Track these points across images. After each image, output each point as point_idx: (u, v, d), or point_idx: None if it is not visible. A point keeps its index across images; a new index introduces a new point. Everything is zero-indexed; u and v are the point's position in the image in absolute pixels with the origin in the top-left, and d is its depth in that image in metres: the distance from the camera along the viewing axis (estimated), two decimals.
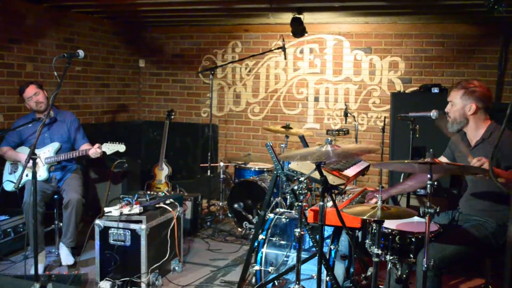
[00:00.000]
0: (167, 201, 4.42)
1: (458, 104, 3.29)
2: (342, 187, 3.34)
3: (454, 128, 3.36)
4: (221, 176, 5.90)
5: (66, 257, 4.48)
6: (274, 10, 5.70)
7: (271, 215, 3.72)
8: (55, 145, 4.64)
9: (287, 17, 5.83)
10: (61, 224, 4.61)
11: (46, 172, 4.58)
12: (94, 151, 4.45)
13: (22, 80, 5.48)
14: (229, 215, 5.54)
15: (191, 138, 7.41)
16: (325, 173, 2.98)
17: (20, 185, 3.98)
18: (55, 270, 4.38)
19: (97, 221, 4.05)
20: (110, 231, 4.02)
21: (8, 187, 4.56)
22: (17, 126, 4.59)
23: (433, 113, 3.79)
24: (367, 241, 3.08)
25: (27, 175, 4.42)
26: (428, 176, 2.73)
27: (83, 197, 4.59)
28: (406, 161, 3.05)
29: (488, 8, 2.80)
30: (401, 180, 4.87)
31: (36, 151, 4.36)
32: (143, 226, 3.97)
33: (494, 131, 3.24)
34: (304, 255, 3.31)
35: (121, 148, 4.48)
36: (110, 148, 4.47)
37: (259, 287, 3.49)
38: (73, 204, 4.42)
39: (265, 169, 5.71)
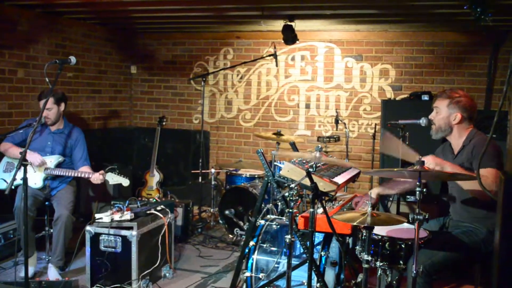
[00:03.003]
0: (158, 208, 4.42)
1: (444, 112, 3.34)
2: (333, 193, 3.35)
3: (438, 135, 3.41)
4: (213, 182, 5.90)
5: (53, 275, 4.36)
6: (266, 18, 5.73)
7: (262, 222, 3.73)
8: (58, 158, 4.59)
9: (278, 25, 5.86)
10: (51, 230, 4.56)
11: (42, 182, 4.53)
12: (97, 176, 4.38)
13: (13, 86, 5.47)
14: (220, 221, 5.54)
15: (182, 145, 7.41)
16: (315, 179, 3.00)
17: (12, 187, 3.92)
18: (45, 277, 4.35)
19: (88, 228, 4.04)
20: (101, 238, 4.02)
21: (1, 185, 4.51)
22: (13, 130, 4.56)
23: (423, 120, 3.83)
24: (357, 247, 3.10)
25: (20, 179, 4.38)
26: (417, 183, 2.76)
27: (73, 212, 4.54)
28: (395, 169, 3.07)
29: (475, 18, 2.85)
30: None
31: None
32: (134, 232, 3.96)
33: (473, 137, 3.29)
34: (294, 262, 3.33)
35: (125, 182, 4.43)
36: (114, 179, 4.42)
37: None
38: (62, 221, 4.36)
39: (256, 176, 5.72)
